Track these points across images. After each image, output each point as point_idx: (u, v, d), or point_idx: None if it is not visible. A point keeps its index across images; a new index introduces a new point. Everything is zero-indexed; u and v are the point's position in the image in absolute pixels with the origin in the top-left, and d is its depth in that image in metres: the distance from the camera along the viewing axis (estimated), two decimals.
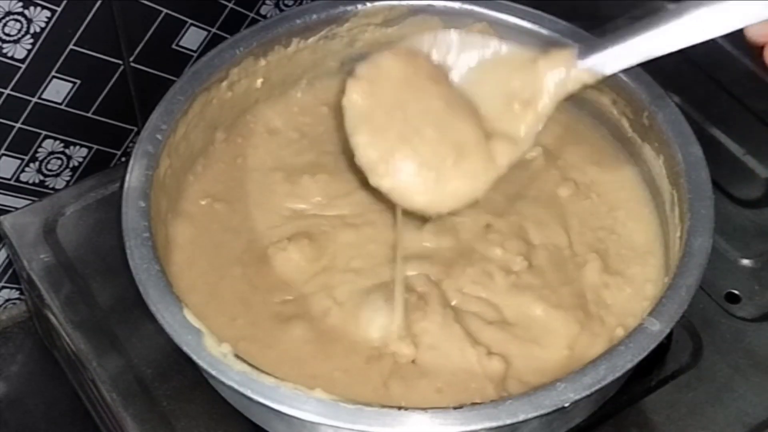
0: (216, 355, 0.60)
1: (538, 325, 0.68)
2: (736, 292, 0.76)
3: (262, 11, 0.85)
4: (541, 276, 0.70)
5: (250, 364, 0.59)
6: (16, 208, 0.79)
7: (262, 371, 0.59)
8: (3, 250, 0.85)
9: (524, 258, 0.70)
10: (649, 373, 0.71)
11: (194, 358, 0.60)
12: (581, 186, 0.75)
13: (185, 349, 0.60)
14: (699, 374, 0.71)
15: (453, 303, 0.68)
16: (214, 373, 0.59)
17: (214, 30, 0.83)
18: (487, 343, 0.66)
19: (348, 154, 0.75)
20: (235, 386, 0.59)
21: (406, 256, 0.69)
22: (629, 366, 0.60)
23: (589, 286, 0.70)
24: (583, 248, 0.72)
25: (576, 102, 0.77)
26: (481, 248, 0.71)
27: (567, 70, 0.63)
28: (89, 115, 0.81)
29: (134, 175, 0.67)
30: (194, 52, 0.83)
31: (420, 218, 0.69)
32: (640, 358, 0.60)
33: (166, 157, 0.69)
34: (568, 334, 0.67)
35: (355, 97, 0.62)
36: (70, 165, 0.83)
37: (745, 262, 0.77)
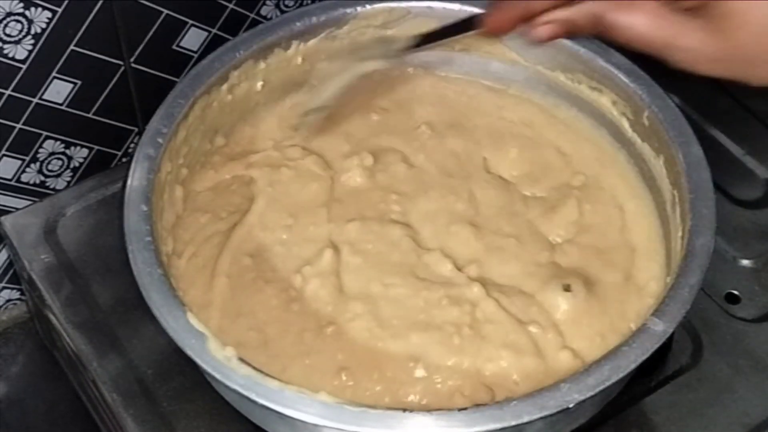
0: (220, 359, 0.60)
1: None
2: (736, 292, 0.76)
3: (263, 12, 0.85)
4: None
5: (254, 368, 0.59)
6: (17, 209, 0.79)
7: (267, 374, 0.59)
8: (4, 251, 0.84)
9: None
10: (650, 373, 0.71)
11: (198, 362, 0.60)
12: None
13: (189, 353, 0.60)
14: (699, 375, 0.72)
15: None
16: (218, 376, 0.59)
17: (214, 31, 0.83)
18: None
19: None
20: (240, 390, 0.59)
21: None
22: (633, 366, 0.60)
23: (606, 283, 0.70)
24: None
25: (576, 102, 0.78)
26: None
27: None
28: (90, 115, 0.81)
29: (136, 179, 0.67)
30: (195, 52, 0.83)
31: None
32: (644, 358, 0.60)
33: (167, 160, 0.69)
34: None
35: None
36: (71, 165, 0.83)
37: (745, 262, 0.77)
